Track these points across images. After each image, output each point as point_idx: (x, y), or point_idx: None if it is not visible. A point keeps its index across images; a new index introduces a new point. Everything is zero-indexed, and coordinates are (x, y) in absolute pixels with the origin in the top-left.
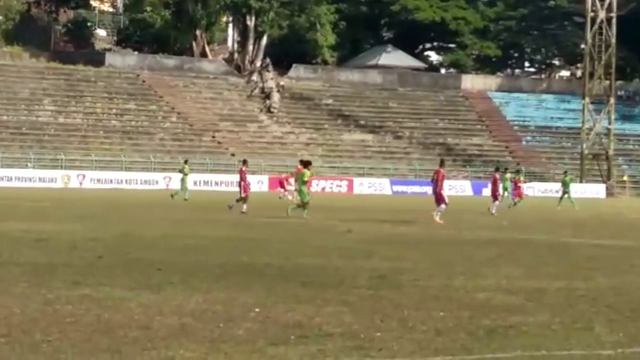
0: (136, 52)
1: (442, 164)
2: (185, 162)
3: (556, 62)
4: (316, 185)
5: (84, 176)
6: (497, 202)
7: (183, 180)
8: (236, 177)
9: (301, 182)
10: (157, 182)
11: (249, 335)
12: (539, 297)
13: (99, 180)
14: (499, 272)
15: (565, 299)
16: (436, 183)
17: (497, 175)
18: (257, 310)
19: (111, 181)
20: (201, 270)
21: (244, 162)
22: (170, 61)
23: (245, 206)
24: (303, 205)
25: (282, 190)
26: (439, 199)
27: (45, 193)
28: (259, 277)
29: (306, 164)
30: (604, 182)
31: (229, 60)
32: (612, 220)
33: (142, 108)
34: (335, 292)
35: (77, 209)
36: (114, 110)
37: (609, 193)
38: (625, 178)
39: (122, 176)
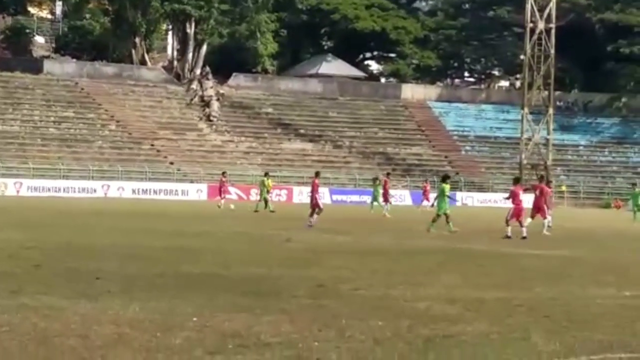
0: (75, 60)
1: (547, 181)
2: (265, 174)
3: (496, 72)
4: (255, 194)
5: (21, 184)
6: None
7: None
8: (175, 185)
9: (442, 195)
10: (95, 191)
11: (187, 344)
12: (477, 306)
13: (36, 189)
14: (439, 282)
15: (504, 309)
16: (538, 197)
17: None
18: (195, 319)
19: (49, 189)
20: (140, 280)
21: (317, 174)
22: (109, 69)
23: (316, 217)
24: (445, 217)
25: (219, 198)
26: (538, 212)
27: None
28: (198, 286)
29: (444, 178)
30: None
31: (169, 69)
32: (550, 231)
33: (80, 116)
34: (274, 301)
35: (14, 217)
36: (52, 118)
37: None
38: (563, 188)
39: (60, 184)
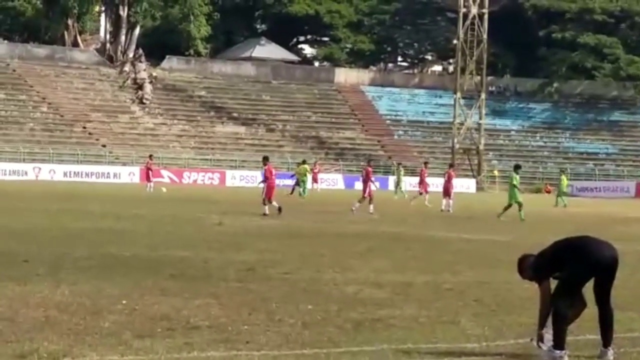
0: (6, 41)
1: (423, 164)
2: (303, 162)
3: (429, 57)
4: (188, 178)
5: None
6: (449, 200)
7: (303, 182)
8: (107, 168)
9: (512, 184)
10: (26, 173)
11: (115, 327)
12: (406, 290)
13: None
14: (368, 266)
15: (433, 293)
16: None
17: (452, 173)
18: (124, 302)
19: None
20: (68, 262)
21: (369, 162)
22: (41, 50)
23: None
24: (517, 206)
25: (147, 182)
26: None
27: None
28: (126, 269)
29: (516, 167)
30: (474, 176)
31: (101, 51)
32: (481, 215)
33: (11, 98)
34: (203, 285)
35: None
36: None
37: (479, 187)
38: (495, 173)
39: None
